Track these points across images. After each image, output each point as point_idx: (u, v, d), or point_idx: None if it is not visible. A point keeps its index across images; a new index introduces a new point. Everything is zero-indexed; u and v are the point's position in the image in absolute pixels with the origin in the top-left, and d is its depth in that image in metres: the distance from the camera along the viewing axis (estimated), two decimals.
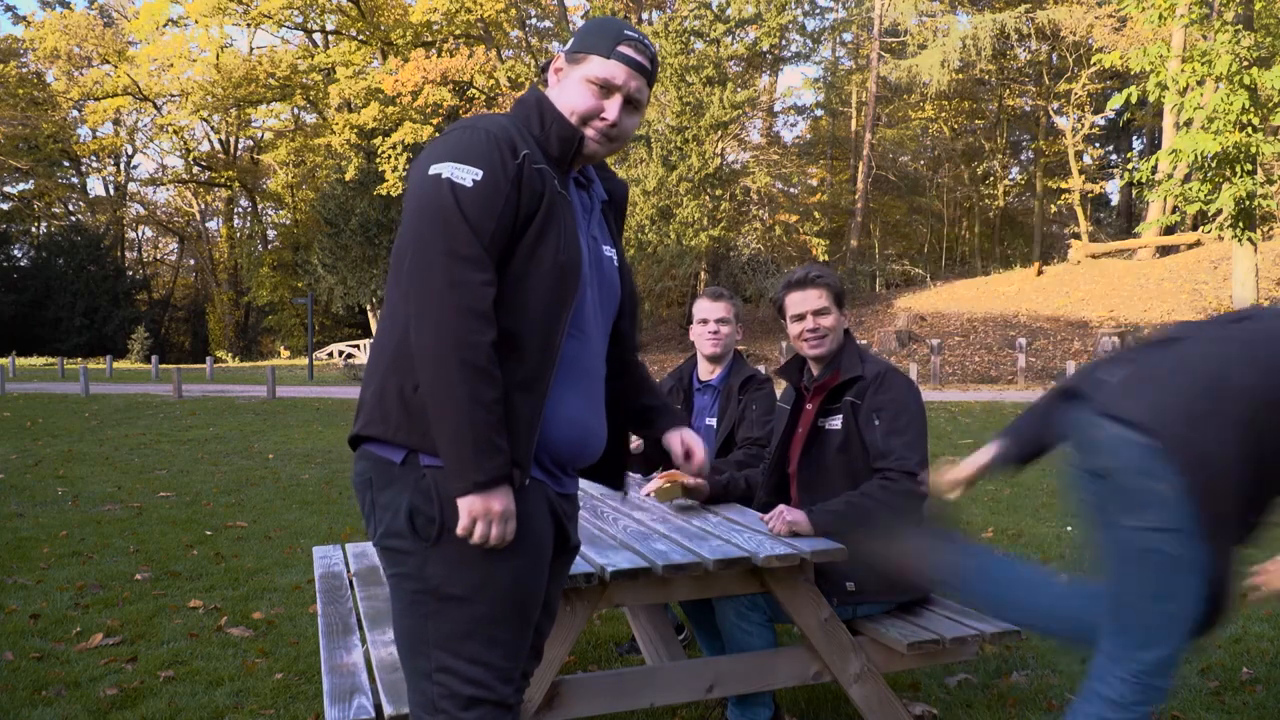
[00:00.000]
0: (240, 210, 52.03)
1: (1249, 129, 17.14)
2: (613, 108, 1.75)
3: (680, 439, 2.01)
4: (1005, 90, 39.53)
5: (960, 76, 34.59)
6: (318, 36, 42.35)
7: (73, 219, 52.50)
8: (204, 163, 49.52)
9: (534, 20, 42.01)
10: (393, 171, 31.86)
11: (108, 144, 48.81)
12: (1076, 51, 33.47)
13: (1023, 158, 44.63)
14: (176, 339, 53.61)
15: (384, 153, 32.32)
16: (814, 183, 42.22)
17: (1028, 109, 41.06)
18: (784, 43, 36.56)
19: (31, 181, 48.58)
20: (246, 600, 4.43)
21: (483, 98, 33.90)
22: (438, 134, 1.97)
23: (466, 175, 1.60)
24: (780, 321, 3.07)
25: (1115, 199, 42.97)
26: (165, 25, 44.18)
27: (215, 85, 41.39)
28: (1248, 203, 17.51)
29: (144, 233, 57.97)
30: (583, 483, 1.96)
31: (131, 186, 53.96)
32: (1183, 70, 17.52)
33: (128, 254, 55.15)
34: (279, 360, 42.36)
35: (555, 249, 1.65)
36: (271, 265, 45.86)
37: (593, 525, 2.77)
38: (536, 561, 1.70)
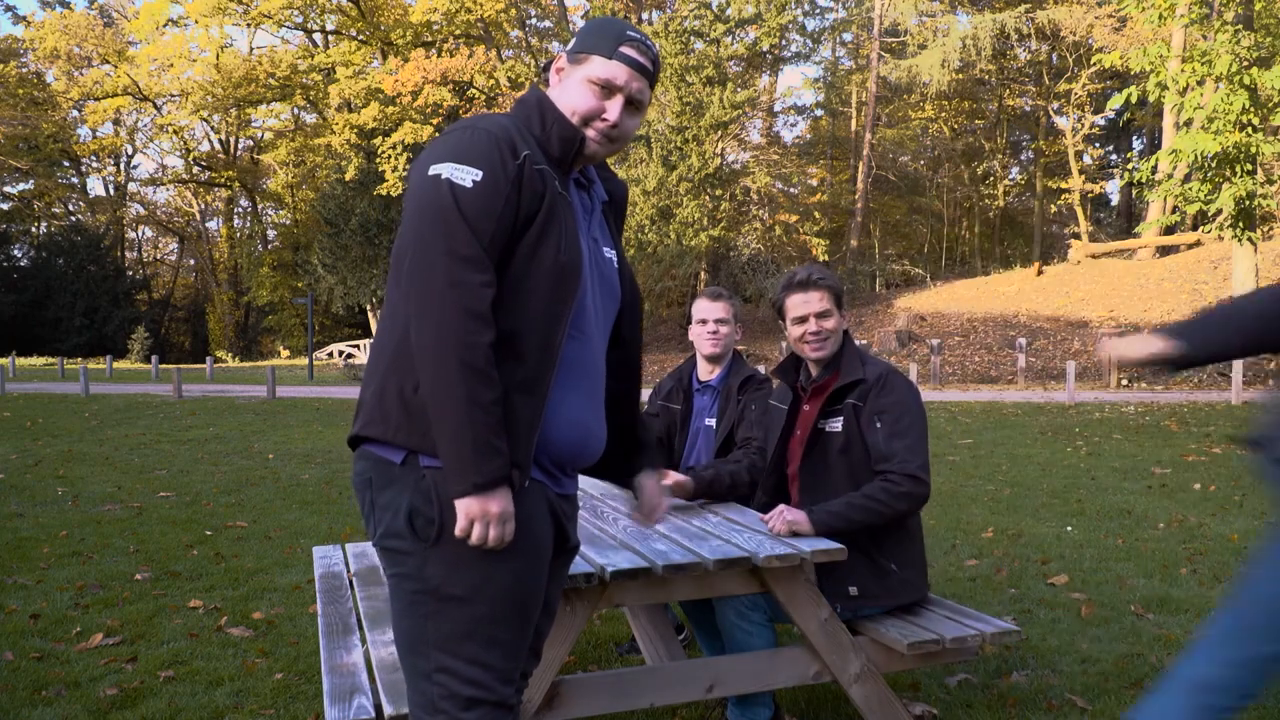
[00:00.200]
0: (240, 210, 52.09)
1: (1249, 129, 17.14)
2: (614, 108, 1.74)
3: (649, 489, 2.00)
4: (1005, 90, 39.56)
5: (960, 76, 34.60)
6: (318, 36, 42.37)
7: (73, 219, 52.53)
8: (204, 163, 49.54)
9: (534, 20, 42.05)
10: (393, 171, 31.87)
11: (108, 144, 48.84)
12: (1076, 51, 33.49)
13: (1023, 158, 44.67)
14: (176, 339, 53.63)
15: (384, 153, 32.34)
16: (814, 183, 42.24)
17: (1028, 109, 41.10)
18: (784, 43, 36.59)
19: (31, 181, 48.62)
20: (246, 600, 4.43)
21: (483, 98, 33.90)
22: (438, 134, 1.97)
23: (466, 176, 1.60)
24: (779, 323, 3.05)
25: (1115, 199, 43.01)
26: (165, 25, 44.22)
27: (215, 85, 41.41)
28: (1248, 203, 17.51)
29: (144, 233, 58.09)
30: (583, 482, 1.96)
31: (131, 186, 54.09)
32: (1183, 70, 17.52)
33: (128, 254, 55.18)
34: (279, 360, 42.37)
35: (556, 250, 1.65)
36: (271, 265, 45.89)
37: (593, 525, 2.77)
38: (536, 562, 1.70)
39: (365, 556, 3.44)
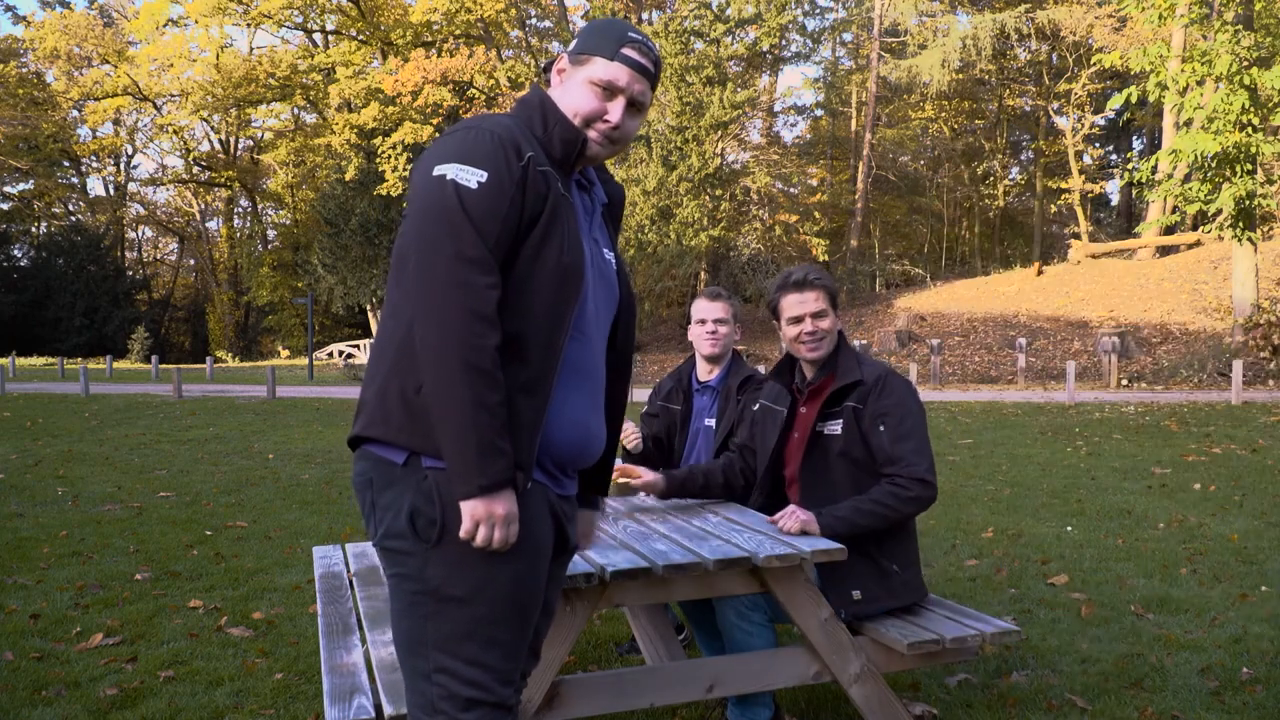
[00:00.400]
0: (240, 210, 52.08)
1: (1249, 129, 17.16)
2: (616, 110, 1.74)
3: (583, 520, 1.98)
4: (1005, 90, 39.55)
5: (960, 76, 34.59)
6: (318, 36, 42.36)
7: (73, 219, 52.52)
8: (204, 163, 49.53)
9: (534, 20, 42.04)
10: (393, 171, 31.87)
11: (108, 144, 48.84)
12: (1076, 51, 33.49)
13: (1023, 158, 44.66)
14: (176, 339, 53.61)
15: (384, 153, 32.34)
16: (814, 183, 42.22)
17: (1028, 109, 41.09)
18: (784, 43, 36.57)
19: (31, 181, 48.62)
20: (246, 600, 4.43)
21: (483, 98, 33.90)
22: (438, 134, 1.97)
23: (471, 177, 1.59)
24: (773, 323, 3.04)
25: (1115, 199, 43.01)
26: (165, 25, 44.20)
27: (215, 85, 41.40)
28: (1248, 203, 17.52)
29: (144, 233, 58.07)
30: None
31: (131, 186, 54.08)
32: (1183, 70, 17.54)
33: (128, 254, 55.16)
34: (279, 360, 42.36)
35: (559, 251, 1.65)
36: (271, 265, 45.88)
37: None
38: (536, 564, 1.70)
39: (365, 556, 3.44)
